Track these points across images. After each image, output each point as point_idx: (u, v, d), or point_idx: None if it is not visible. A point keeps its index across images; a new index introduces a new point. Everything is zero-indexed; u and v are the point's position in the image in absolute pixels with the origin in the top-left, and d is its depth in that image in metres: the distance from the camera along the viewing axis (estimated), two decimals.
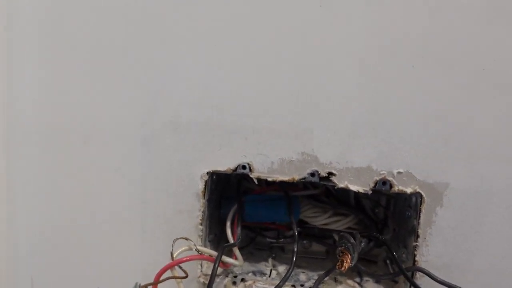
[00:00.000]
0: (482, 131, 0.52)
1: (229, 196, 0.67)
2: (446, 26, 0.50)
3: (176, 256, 0.53)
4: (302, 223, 0.68)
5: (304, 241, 0.71)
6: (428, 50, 0.51)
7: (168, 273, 0.52)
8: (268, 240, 0.70)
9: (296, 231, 0.58)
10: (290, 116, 0.55)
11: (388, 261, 0.67)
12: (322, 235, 0.70)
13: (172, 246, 0.53)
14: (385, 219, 0.69)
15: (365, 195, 0.68)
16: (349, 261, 0.52)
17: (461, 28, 0.50)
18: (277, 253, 0.70)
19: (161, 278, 0.51)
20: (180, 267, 0.52)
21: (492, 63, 0.50)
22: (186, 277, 0.52)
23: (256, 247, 0.71)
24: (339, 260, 0.53)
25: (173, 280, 0.52)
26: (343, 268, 0.52)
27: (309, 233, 0.71)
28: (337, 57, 0.52)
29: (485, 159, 0.52)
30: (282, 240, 0.69)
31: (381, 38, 0.51)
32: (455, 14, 0.49)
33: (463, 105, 0.51)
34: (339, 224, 0.65)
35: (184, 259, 0.53)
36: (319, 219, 0.65)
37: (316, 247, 0.71)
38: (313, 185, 0.69)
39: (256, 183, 0.58)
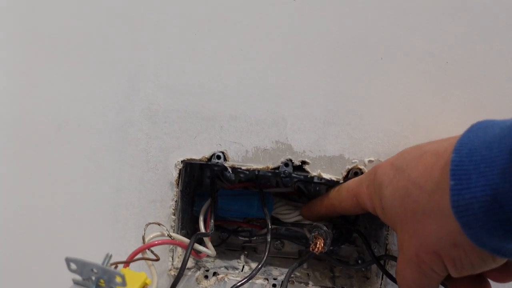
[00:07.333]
0: (445, 122, 0.54)
1: (203, 193, 0.67)
2: (413, 23, 0.53)
3: (148, 241, 0.53)
4: (274, 222, 0.69)
5: (277, 242, 0.70)
6: (395, 44, 0.54)
7: (139, 257, 0.52)
8: (241, 239, 0.70)
9: (269, 220, 0.58)
10: (266, 104, 0.56)
11: (359, 261, 0.67)
12: (294, 235, 0.70)
13: (144, 230, 0.53)
14: (356, 219, 0.69)
15: None
16: (322, 243, 0.52)
17: (425, 24, 0.53)
18: (249, 252, 0.69)
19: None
20: (152, 251, 0.52)
21: (455, 56, 0.53)
22: (158, 260, 0.51)
23: (228, 248, 0.71)
24: (313, 243, 0.53)
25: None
26: (316, 249, 0.52)
27: (281, 234, 0.71)
28: (310, 47, 0.55)
29: None
30: (255, 238, 0.68)
31: (351, 31, 0.54)
32: (422, 13, 0.53)
33: (428, 95, 0.54)
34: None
35: (156, 242, 0.52)
36: (291, 216, 0.65)
37: (289, 248, 0.71)
38: (286, 185, 0.71)
39: (230, 172, 0.59)
